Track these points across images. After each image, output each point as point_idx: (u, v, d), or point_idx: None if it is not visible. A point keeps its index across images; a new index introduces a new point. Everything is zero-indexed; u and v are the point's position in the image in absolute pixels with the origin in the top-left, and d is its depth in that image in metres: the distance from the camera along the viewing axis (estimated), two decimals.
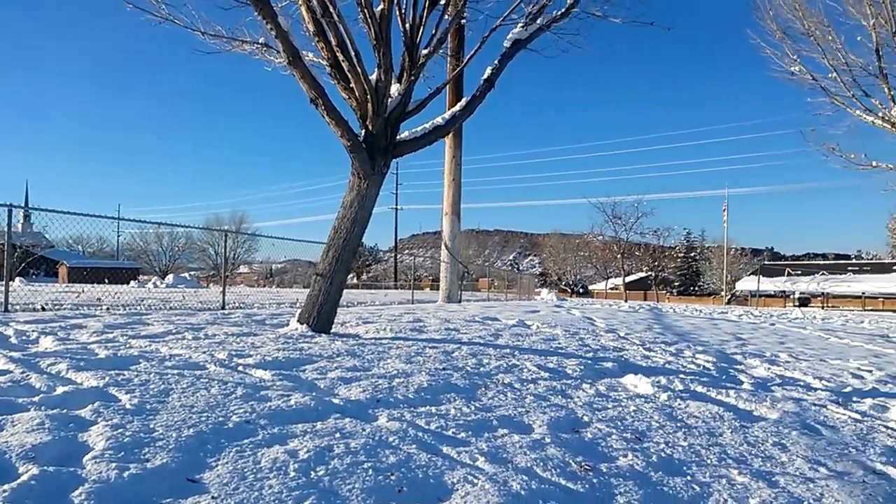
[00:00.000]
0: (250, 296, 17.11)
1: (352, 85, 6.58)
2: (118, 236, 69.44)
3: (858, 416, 5.17)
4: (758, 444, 4.05)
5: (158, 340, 5.86)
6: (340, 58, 6.45)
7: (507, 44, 6.85)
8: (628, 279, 65.28)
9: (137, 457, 2.79)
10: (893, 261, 52.43)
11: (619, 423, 4.13)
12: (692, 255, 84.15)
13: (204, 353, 5.22)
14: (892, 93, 11.50)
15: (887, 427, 4.98)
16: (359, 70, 6.43)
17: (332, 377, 4.55)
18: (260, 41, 7.12)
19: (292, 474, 2.74)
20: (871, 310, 43.09)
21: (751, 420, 4.65)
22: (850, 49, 11.84)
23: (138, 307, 10.79)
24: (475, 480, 2.87)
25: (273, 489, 2.58)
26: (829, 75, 11.99)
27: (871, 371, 7.75)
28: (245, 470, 2.74)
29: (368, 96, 6.47)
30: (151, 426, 3.18)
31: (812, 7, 12.01)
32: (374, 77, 6.57)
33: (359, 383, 4.39)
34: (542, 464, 3.18)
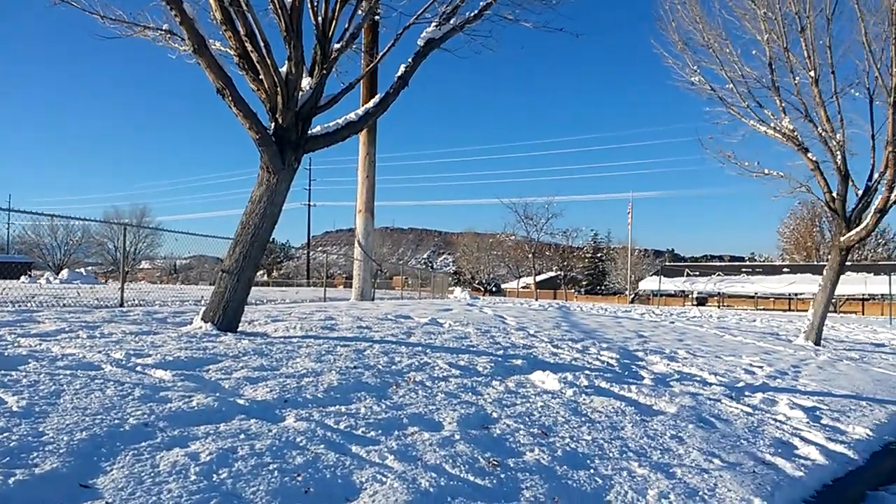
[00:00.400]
0: (152, 293, 16.39)
1: (261, 77, 6.41)
2: (8, 228, 64.99)
3: (750, 410, 5.48)
4: (657, 437, 4.21)
5: (50, 339, 5.51)
6: (249, 48, 6.26)
7: (420, 43, 6.85)
8: (539, 278, 66.83)
9: (25, 462, 2.61)
10: (783, 263, 56.05)
11: (527, 419, 4.20)
12: (599, 255, 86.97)
13: (99, 352, 4.94)
14: (782, 105, 12.26)
15: (776, 420, 5.30)
16: (268, 62, 6.26)
17: (237, 377, 4.41)
18: (164, 27, 6.82)
19: (193, 478, 2.62)
20: (763, 309, 45.89)
21: (651, 414, 4.84)
22: (746, 62, 12.56)
23: (29, 304, 10.12)
24: (384, 479, 2.85)
25: (172, 493, 2.46)
26: (727, 86, 12.66)
27: (761, 367, 8.24)
28: (142, 474, 2.60)
29: (278, 89, 6.31)
30: (41, 429, 2.97)
31: (711, 20, 12.67)
32: (284, 69, 6.41)
33: (266, 383, 4.28)
34: (451, 460, 3.19)
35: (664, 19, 13.17)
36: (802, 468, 4.02)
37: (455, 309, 12.16)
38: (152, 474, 2.61)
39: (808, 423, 5.31)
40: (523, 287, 71.72)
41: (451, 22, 6.88)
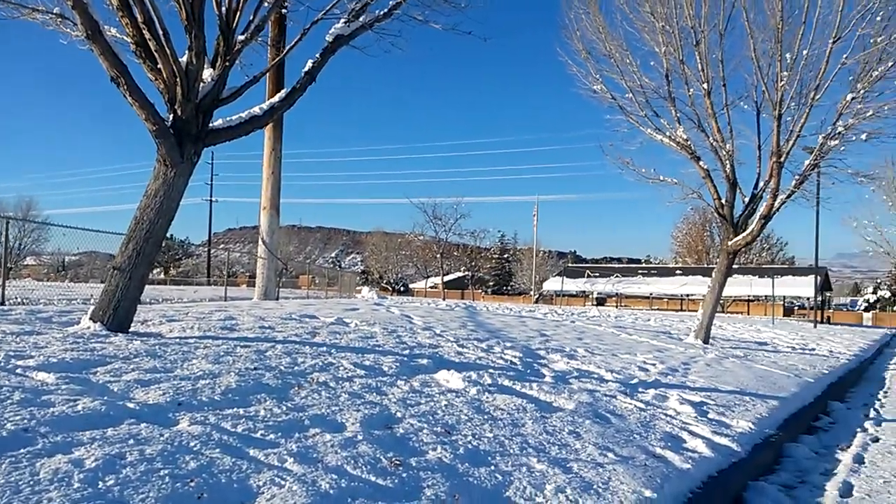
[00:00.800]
0: (37, 290, 15.34)
1: (159, 66, 6.12)
2: None
3: (643, 405, 5.73)
4: (556, 433, 4.33)
5: None
6: (147, 36, 5.96)
7: (329, 38, 6.74)
8: (447, 278, 67.35)
9: None
10: (676, 266, 58.97)
11: (430, 418, 4.22)
12: (505, 256, 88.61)
13: None
14: (678, 115, 12.91)
15: (666, 415, 5.56)
16: (167, 51, 5.99)
17: (127, 380, 4.19)
18: (54, 11, 6.39)
19: (76, 485, 2.47)
20: (658, 309, 48.12)
21: (551, 411, 4.97)
22: (645, 72, 13.14)
23: None
24: (282, 482, 2.78)
25: (53, 503, 2.32)
26: (626, 95, 13.19)
27: (654, 364, 8.64)
28: (20, 483, 2.43)
29: (178, 79, 6.04)
30: None
31: (614, 31, 13.16)
32: (184, 60, 6.15)
33: (158, 386, 4.09)
34: (353, 461, 3.16)
35: (569, 28, 13.57)
36: (690, 461, 4.24)
37: (362, 309, 12.06)
38: (31, 483, 2.44)
39: (696, 417, 5.61)
40: (431, 287, 72.07)
41: (361, 19, 6.81)
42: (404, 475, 3.12)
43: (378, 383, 5.03)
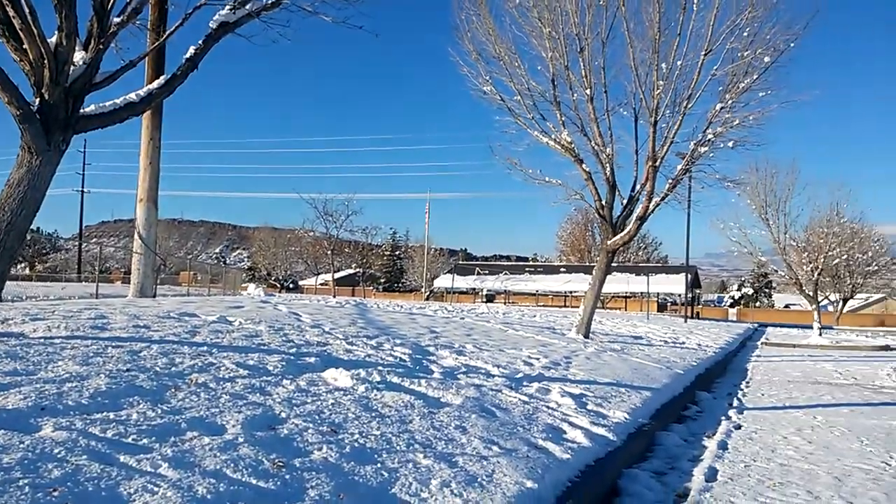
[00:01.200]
0: None
1: (25, 46, 5.65)
2: None
3: (527, 399, 5.90)
4: (443, 428, 4.38)
5: None
6: (11, 14, 5.49)
7: (213, 25, 6.45)
8: (338, 275, 66.46)
9: None
10: (561, 264, 61.27)
11: (316, 417, 4.15)
12: (397, 253, 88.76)
13: None
14: (562, 118, 13.41)
15: (549, 407, 5.76)
16: (34, 30, 5.53)
17: None
18: None
19: None
20: (543, 305, 49.79)
21: (438, 406, 5.02)
22: (532, 76, 13.55)
23: None
24: (156, 488, 2.65)
25: None
26: (515, 98, 13.55)
27: (538, 359, 8.92)
28: None
29: (45, 61, 5.59)
30: None
31: (503, 34, 13.47)
32: (53, 40, 5.70)
33: (19, 390, 3.78)
34: (232, 465, 3.06)
35: (461, 29, 13.75)
36: (570, 451, 4.42)
37: (247, 306, 11.68)
38: None
39: (576, 409, 5.85)
40: (322, 284, 71.03)
41: (247, 7, 6.58)
42: (287, 477, 3.06)
43: (262, 383, 4.89)
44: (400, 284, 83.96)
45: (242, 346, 6.57)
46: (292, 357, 6.17)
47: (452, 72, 14.14)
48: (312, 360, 6.12)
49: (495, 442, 4.24)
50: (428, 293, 62.48)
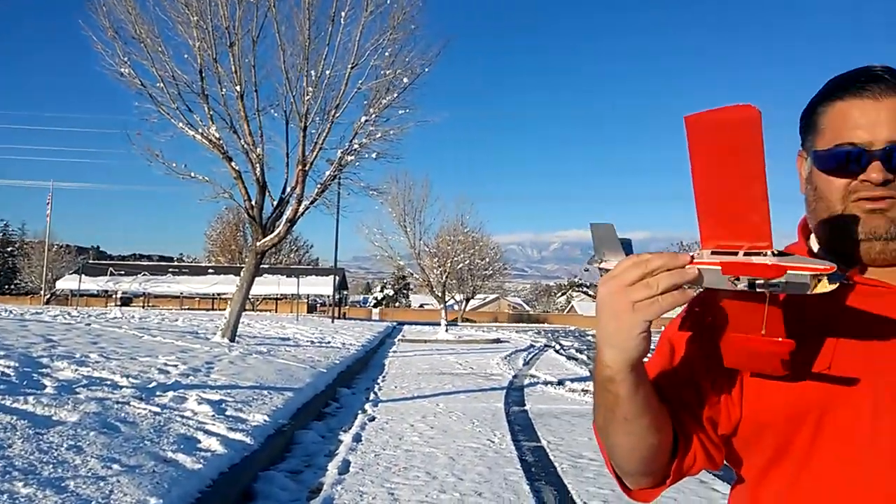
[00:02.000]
0: None
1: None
2: None
3: (159, 409, 5.50)
4: (52, 449, 3.85)
5: None
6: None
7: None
8: None
9: None
10: (209, 265, 58.65)
11: None
12: (9, 249, 75.43)
13: None
14: (211, 112, 12.84)
15: (183, 416, 5.46)
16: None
17: None
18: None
19: None
20: (188, 308, 47.11)
21: (48, 426, 4.39)
22: (179, 65, 12.71)
23: None
24: None
25: None
26: (157, 84, 12.54)
27: (176, 366, 8.40)
28: None
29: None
30: None
31: (146, 15, 12.38)
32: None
33: None
34: None
35: (94, 1, 12.28)
36: (203, 460, 4.24)
37: None
38: None
39: (213, 416, 5.65)
40: None
41: None
42: None
43: None
44: (12, 286, 71.57)
45: None
46: None
47: (85, 44, 12.53)
48: None
49: (117, 459, 3.87)
50: (48, 296, 54.54)
